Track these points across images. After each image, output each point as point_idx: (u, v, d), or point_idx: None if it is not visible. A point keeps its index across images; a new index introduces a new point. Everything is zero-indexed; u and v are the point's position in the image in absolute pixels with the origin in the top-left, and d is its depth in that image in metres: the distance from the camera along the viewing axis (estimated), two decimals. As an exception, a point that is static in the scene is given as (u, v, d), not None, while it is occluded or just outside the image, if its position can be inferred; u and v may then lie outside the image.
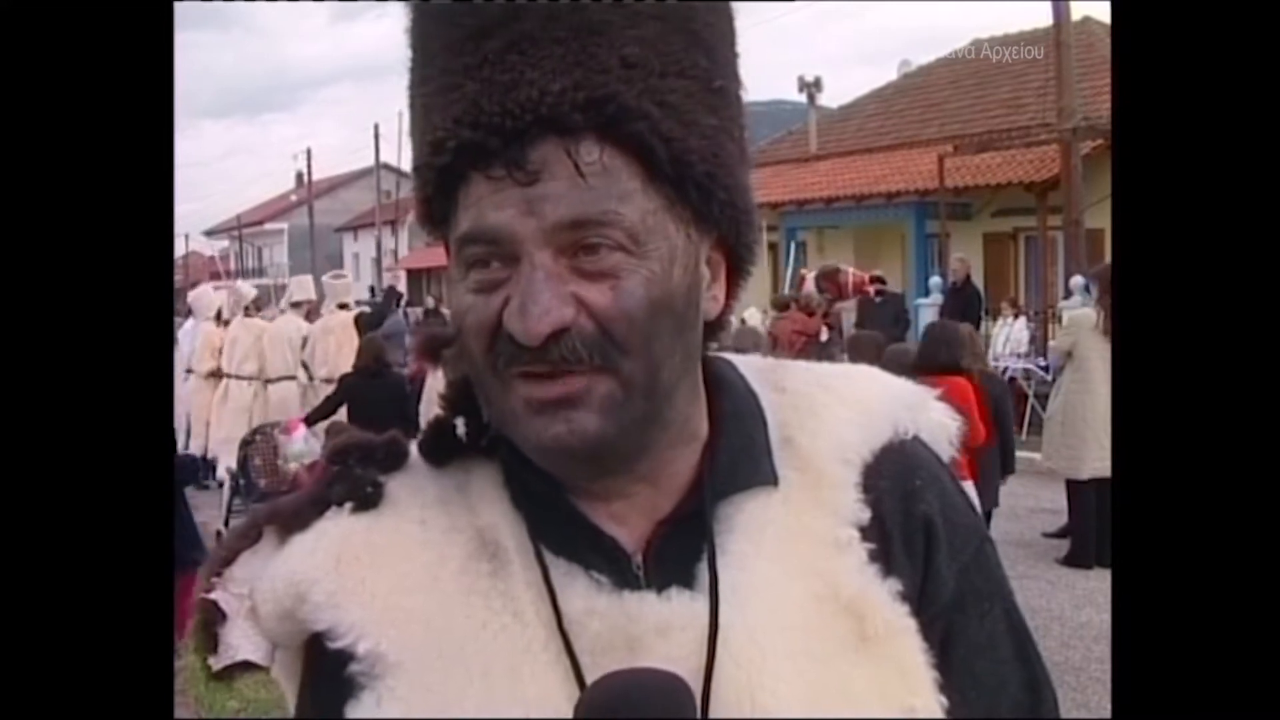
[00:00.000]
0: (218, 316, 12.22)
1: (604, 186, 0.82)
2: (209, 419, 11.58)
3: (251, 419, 10.61)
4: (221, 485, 9.77)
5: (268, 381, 11.18)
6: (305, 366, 11.17)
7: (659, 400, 0.86)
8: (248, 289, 12.70)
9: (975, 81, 24.10)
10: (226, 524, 9.03)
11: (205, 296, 12.61)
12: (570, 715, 0.81)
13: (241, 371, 11.38)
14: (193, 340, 12.05)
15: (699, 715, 0.82)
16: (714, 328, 0.94)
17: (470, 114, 0.82)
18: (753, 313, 13.40)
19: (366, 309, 12.33)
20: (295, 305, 11.97)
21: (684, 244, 0.86)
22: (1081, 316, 8.02)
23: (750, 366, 1.01)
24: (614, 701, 0.80)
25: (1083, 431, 7.66)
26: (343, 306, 11.58)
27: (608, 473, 0.89)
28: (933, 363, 6.20)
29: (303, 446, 8.46)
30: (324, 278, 12.62)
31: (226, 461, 10.05)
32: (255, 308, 12.15)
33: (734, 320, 0.98)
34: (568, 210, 0.81)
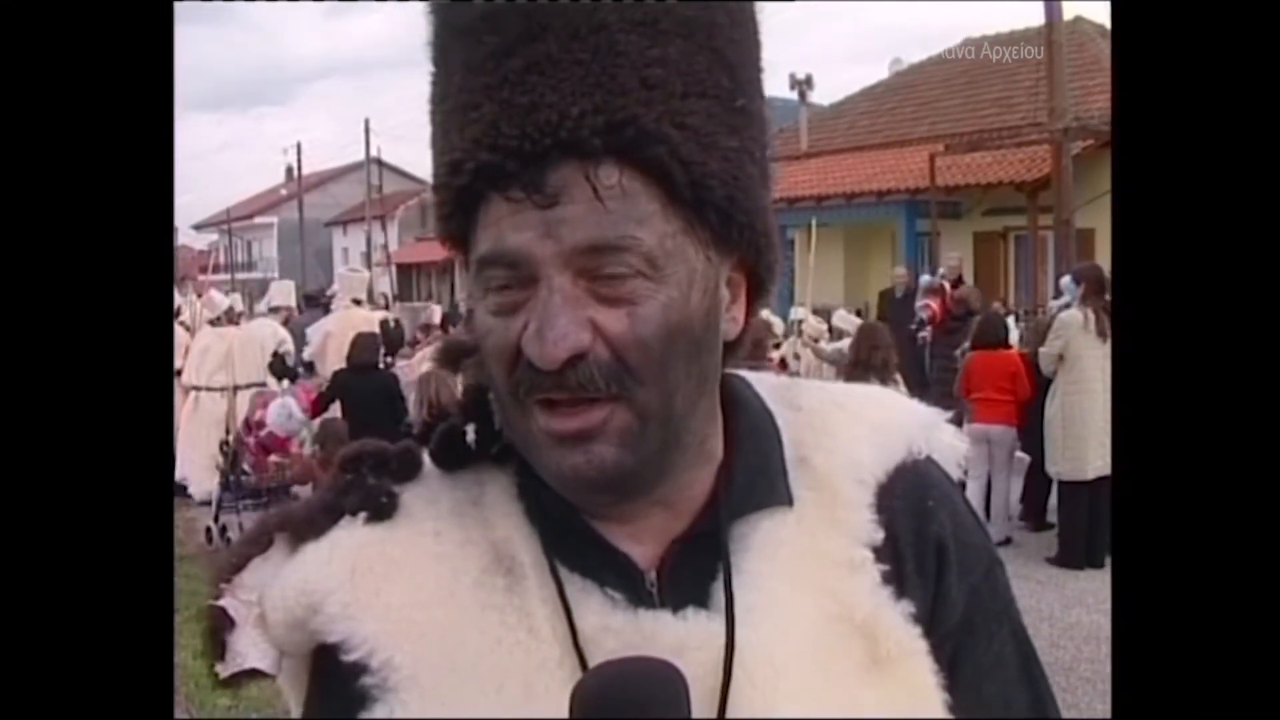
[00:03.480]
0: (176, 313, 11.89)
1: (622, 210, 0.81)
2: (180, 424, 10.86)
3: (226, 433, 10.06)
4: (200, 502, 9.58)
5: (237, 388, 10.66)
6: (310, 365, 10.79)
7: (675, 426, 0.86)
8: (221, 299, 12.19)
9: (967, 80, 24.12)
10: (216, 520, 9.01)
11: None
12: None
13: (213, 383, 10.89)
14: None
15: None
16: (733, 347, 0.93)
17: (489, 136, 0.82)
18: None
19: (392, 320, 11.87)
20: (274, 310, 11.68)
21: (704, 266, 0.86)
22: (1068, 318, 7.98)
23: (765, 384, 1.01)
24: (609, 689, 0.80)
25: (1083, 433, 7.62)
26: (356, 302, 11.30)
27: (626, 499, 0.88)
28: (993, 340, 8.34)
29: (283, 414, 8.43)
30: (340, 270, 12.23)
31: (199, 482, 9.76)
32: (227, 318, 11.75)
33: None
34: (586, 234, 0.81)
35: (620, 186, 0.81)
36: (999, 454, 8.27)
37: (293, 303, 12.17)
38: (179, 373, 11.02)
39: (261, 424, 8.83)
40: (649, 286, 0.82)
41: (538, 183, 0.81)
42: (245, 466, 9.05)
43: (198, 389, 10.97)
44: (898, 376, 7.61)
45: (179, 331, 11.54)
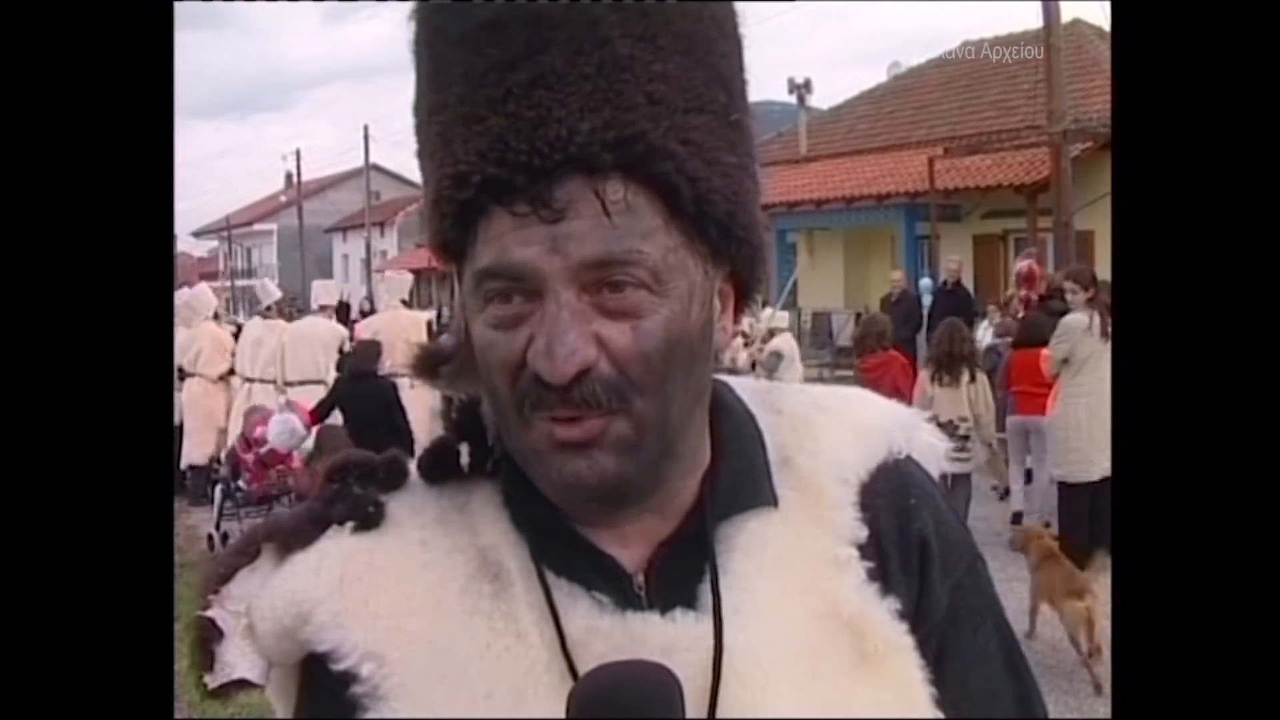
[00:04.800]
0: (215, 317, 11.83)
1: (628, 225, 0.81)
2: (224, 425, 10.90)
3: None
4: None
5: (288, 384, 10.53)
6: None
7: (670, 436, 0.87)
8: (274, 289, 12.10)
9: (966, 84, 24.19)
10: (218, 527, 9.01)
11: (203, 295, 11.89)
12: None
13: (266, 375, 10.78)
14: (190, 342, 11.28)
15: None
16: (718, 355, 0.94)
17: (496, 150, 0.81)
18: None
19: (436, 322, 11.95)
20: (322, 309, 11.59)
21: (701, 280, 0.86)
22: (1073, 321, 7.98)
23: (746, 388, 1.01)
24: (605, 692, 0.80)
25: (1090, 435, 7.62)
26: (404, 303, 11.28)
27: (620, 508, 0.89)
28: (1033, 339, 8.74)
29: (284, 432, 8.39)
30: (386, 273, 12.26)
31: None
32: (278, 310, 11.69)
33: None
34: (593, 249, 0.81)
35: (626, 201, 0.81)
36: (1037, 442, 8.94)
37: (335, 301, 12.14)
38: (231, 372, 11.09)
39: (261, 441, 8.76)
40: (652, 300, 0.83)
41: (545, 197, 0.80)
42: (240, 483, 8.92)
43: (251, 381, 10.88)
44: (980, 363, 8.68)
45: (217, 330, 11.57)
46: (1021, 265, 11.42)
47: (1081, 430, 7.70)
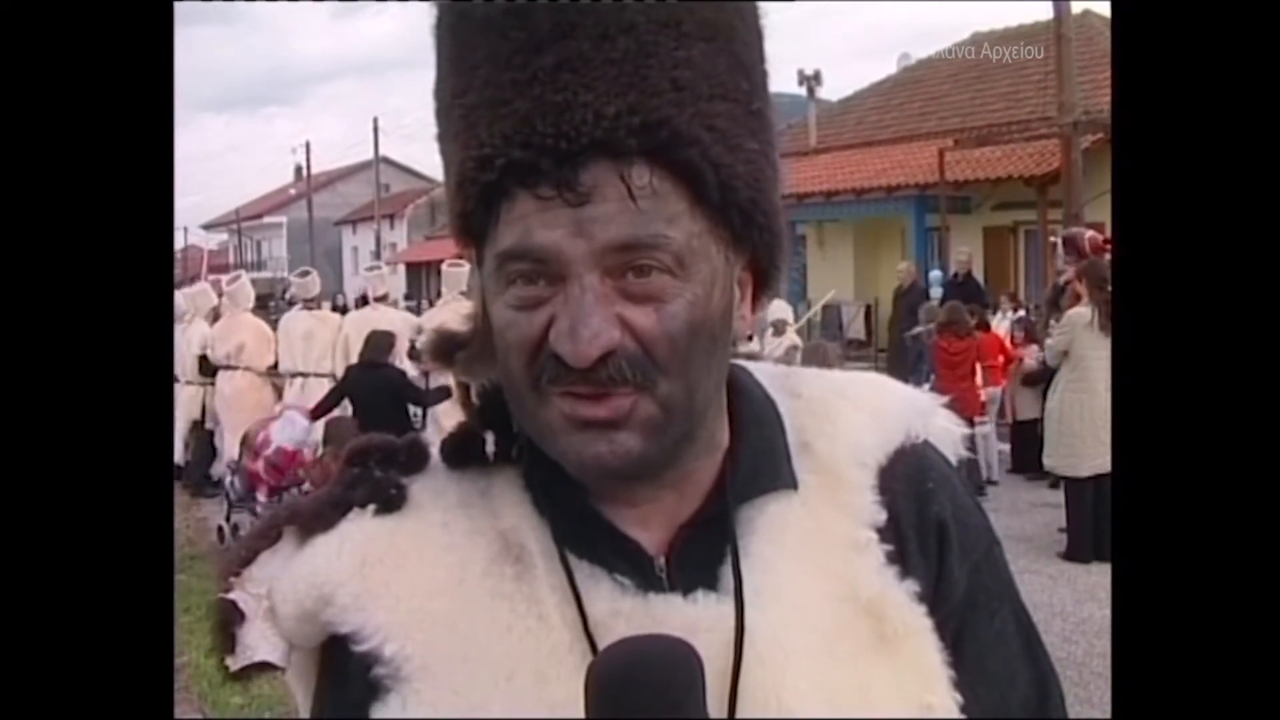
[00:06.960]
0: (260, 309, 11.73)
1: (653, 209, 0.81)
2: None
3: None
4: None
5: None
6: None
7: (694, 419, 0.87)
8: (317, 281, 11.81)
9: (975, 75, 24.11)
10: (228, 519, 9.04)
11: (243, 288, 11.66)
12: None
13: (321, 369, 10.57)
14: (229, 333, 11.11)
15: (723, 707, 0.84)
16: (735, 342, 0.94)
17: (521, 133, 0.81)
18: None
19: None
20: (380, 299, 11.38)
21: (722, 266, 0.87)
22: (1076, 315, 7.99)
23: (765, 373, 1.02)
24: (625, 667, 0.80)
25: (1080, 430, 7.68)
26: (463, 294, 11.22)
27: (638, 484, 0.90)
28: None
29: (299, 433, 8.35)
30: (444, 266, 12.13)
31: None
32: (316, 303, 11.53)
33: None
34: (618, 232, 0.81)
35: (651, 186, 0.81)
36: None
37: (388, 289, 12.02)
38: (275, 366, 10.92)
39: (266, 443, 8.67)
40: (675, 285, 0.83)
41: (570, 181, 0.80)
42: (260, 497, 8.63)
43: (304, 375, 10.68)
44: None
45: (260, 323, 11.42)
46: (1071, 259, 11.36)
47: (1074, 426, 7.75)
